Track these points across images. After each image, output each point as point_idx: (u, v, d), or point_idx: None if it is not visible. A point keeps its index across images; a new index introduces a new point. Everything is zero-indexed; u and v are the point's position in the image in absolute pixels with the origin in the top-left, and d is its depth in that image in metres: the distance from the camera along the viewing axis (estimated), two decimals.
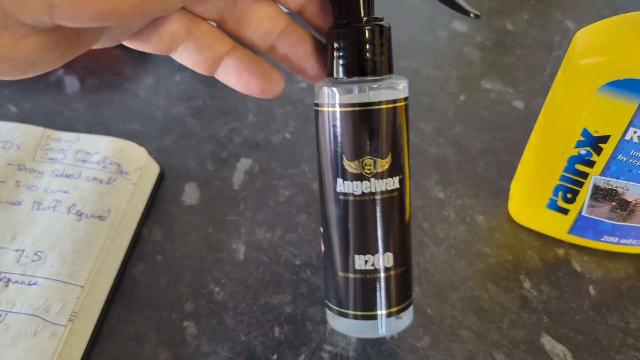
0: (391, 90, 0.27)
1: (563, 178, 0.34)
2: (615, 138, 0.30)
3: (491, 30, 0.54)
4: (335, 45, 0.28)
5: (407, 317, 0.31)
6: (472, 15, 0.27)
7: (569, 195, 0.35)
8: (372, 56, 0.27)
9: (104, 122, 0.47)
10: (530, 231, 0.39)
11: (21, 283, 0.34)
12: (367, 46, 0.27)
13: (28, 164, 0.41)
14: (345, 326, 0.31)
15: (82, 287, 0.35)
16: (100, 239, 0.37)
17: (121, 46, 0.52)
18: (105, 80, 0.50)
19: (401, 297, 0.30)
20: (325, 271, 0.31)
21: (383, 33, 0.27)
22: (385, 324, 0.30)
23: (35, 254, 0.36)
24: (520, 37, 0.53)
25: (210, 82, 0.50)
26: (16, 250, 0.36)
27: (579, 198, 0.35)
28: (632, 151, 0.30)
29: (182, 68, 0.51)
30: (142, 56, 0.52)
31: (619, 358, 0.34)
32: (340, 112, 0.27)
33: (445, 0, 0.27)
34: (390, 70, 0.28)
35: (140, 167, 0.41)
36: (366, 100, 0.27)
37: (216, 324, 0.35)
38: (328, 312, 0.31)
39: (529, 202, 0.37)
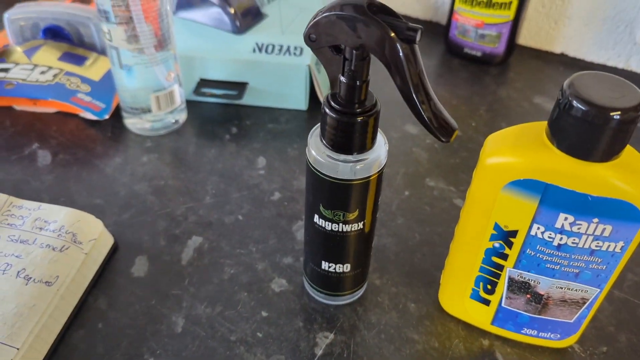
0: (367, 167, 0.33)
1: (482, 269, 0.37)
2: (522, 233, 0.33)
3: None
4: (328, 122, 0.32)
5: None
6: (443, 140, 0.30)
7: (488, 286, 0.37)
8: (356, 141, 0.32)
9: (68, 194, 0.49)
10: (458, 321, 0.41)
11: None
12: (354, 134, 0.32)
13: None
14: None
15: (17, 349, 0.35)
16: (44, 303, 0.38)
17: (96, 126, 0.56)
18: (76, 157, 0.53)
19: (354, 285, 0.41)
20: (306, 257, 0.40)
21: (368, 123, 0.32)
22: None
23: None
24: (466, 141, 0.58)
25: (174, 164, 0.53)
26: None
27: (498, 289, 0.37)
28: (538, 246, 0.33)
29: (150, 150, 0.55)
30: (115, 137, 0.56)
31: None
32: (322, 178, 0.33)
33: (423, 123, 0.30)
34: (372, 144, 0.33)
35: (95, 238, 0.43)
36: (345, 177, 0.33)
37: None
38: (305, 282, 0.43)
39: (455, 292, 0.40)
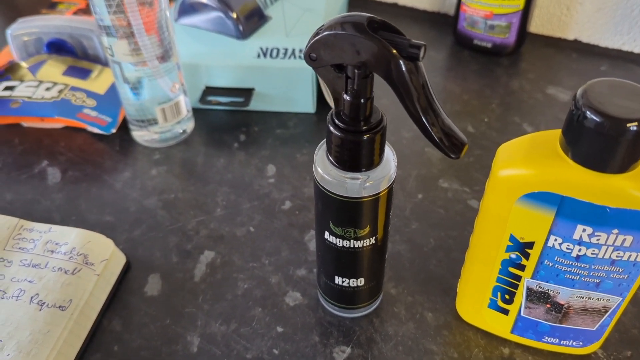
0: (377, 184, 0.32)
1: (499, 280, 0.36)
2: (539, 244, 0.32)
3: None
4: (334, 141, 0.31)
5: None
6: (452, 156, 0.29)
7: (506, 296, 0.36)
8: (364, 159, 0.31)
9: (79, 212, 0.49)
10: (477, 329, 0.40)
11: None
12: (362, 152, 0.31)
13: None
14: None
15: None
16: (58, 329, 0.38)
17: (104, 139, 0.56)
18: (85, 172, 0.53)
19: (369, 298, 0.40)
20: (319, 271, 0.40)
21: (374, 140, 0.31)
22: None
23: None
24: (479, 138, 0.57)
25: (184, 176, 0.53)
26: None
27: (516, 299, 0.36)
28: (556, 257, 0.32)
29: (159, 162, 0.54)
30: (123, 150, 0.56)
31: None
32: (330, 195, 0.33)
33: (431, 139, 0.29)
34: (380, 160, 0.32)
35: (106, 258, 0.43)
36: (354, 195, 0.32)
37: None
38: (319, 295, 0.42)
39: (473, 301, 0.39)
